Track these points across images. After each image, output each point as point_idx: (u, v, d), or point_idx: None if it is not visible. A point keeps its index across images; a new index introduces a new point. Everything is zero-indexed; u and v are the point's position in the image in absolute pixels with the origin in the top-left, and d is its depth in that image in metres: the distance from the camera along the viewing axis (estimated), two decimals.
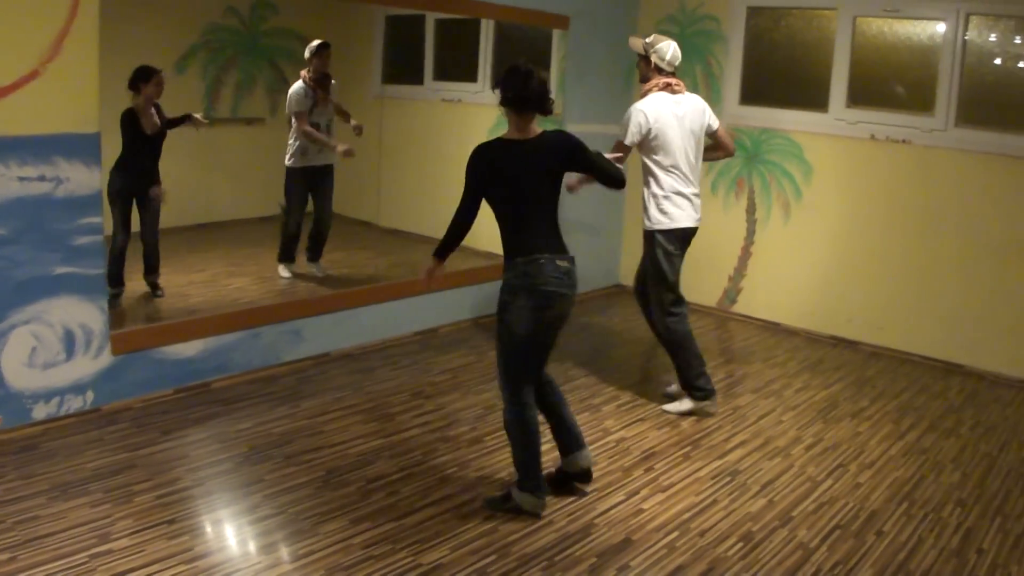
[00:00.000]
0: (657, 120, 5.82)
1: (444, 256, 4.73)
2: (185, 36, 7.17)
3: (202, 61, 7.32)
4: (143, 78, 6.35)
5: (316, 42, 7.41)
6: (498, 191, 4.52)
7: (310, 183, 7.73)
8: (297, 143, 7.53)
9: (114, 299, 6.55)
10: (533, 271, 4.42)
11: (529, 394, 4.58)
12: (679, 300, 6.04)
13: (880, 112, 7.52)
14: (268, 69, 7.81)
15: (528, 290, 4.43)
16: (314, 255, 7.89)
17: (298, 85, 7.44)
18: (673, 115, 5.85)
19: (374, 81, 8.73)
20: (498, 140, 4.55)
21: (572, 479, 4.88)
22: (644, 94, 5.97)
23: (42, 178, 5.00)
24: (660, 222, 5.90)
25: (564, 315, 4.58)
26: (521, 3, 7.55)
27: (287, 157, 7.59)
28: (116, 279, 6.51)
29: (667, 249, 5.91)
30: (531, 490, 4.60)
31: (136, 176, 6.53)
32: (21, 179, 4.93)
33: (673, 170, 5.89)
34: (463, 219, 4.61)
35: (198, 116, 6.98)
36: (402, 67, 9.07)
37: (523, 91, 4.47)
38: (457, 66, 8.96)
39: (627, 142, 5.85)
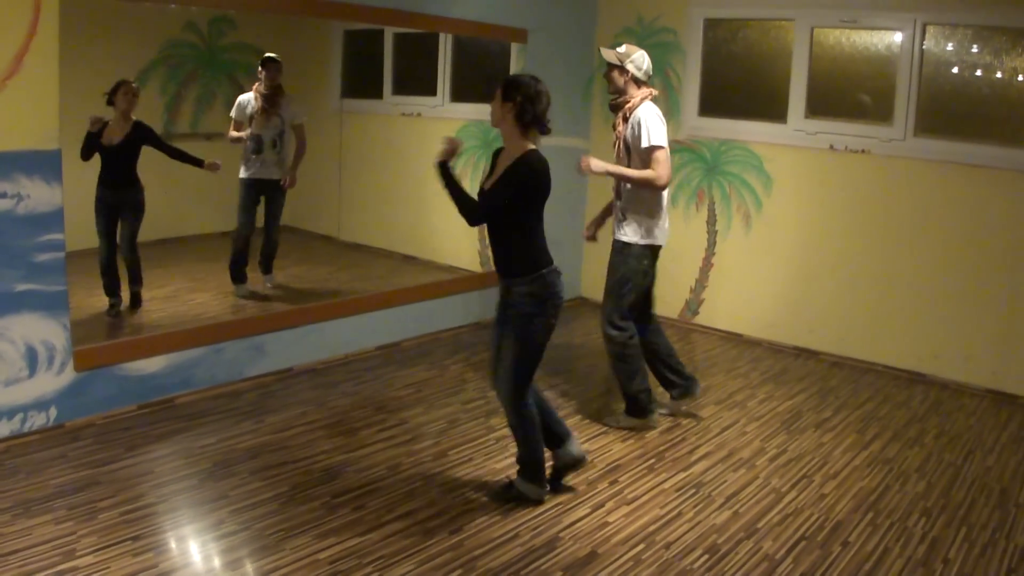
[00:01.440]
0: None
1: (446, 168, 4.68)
2: (144, 51, 7.15)
3: (162, 76, 7.30)
4: (113, 91, 6.42)
5: (265, 55, 7.41)
6: (539, 202, 4.67)
7: (256, 195, 7.71)
8: (244, 154, 7.53)
9: (110, 310, 6.59)
10: (553, 280, 4.69)
11: (530, 395, 4.85)
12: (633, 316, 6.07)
13: (839, 122, 7.59)
14: (227, 84, 7.79)
15: (553, 299, 4.69)
16: (264, 268, 7.87)
17: (244, 95, 7.45)
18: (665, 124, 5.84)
19: (333, 95, 8.73)
20: (536, 151, 4.63)
21: (566, 471, 5.08)
22: (631, 104, 5.81)
23: (3, 195, 4.98)
24: (651, 235, 5.89)
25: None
26: (479, 17, 7.57)
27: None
28: (108, 290, 6.59)
29: (648, 264, 5.99)
30: (538, 481, 4.89)
31: (109, 188, 6.57)
32: None
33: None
34: (479, 221, 4.71)
35: (214, 162, 7.04)
36: (361, 81, 9.06)
37: (536, 109, 4.57)
38: (416, 80, 8.97)
39: (665, 143, 5.70)
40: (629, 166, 5.83)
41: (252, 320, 6.63)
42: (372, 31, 8.66)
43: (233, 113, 7.48)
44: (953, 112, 7.23)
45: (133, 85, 6.58)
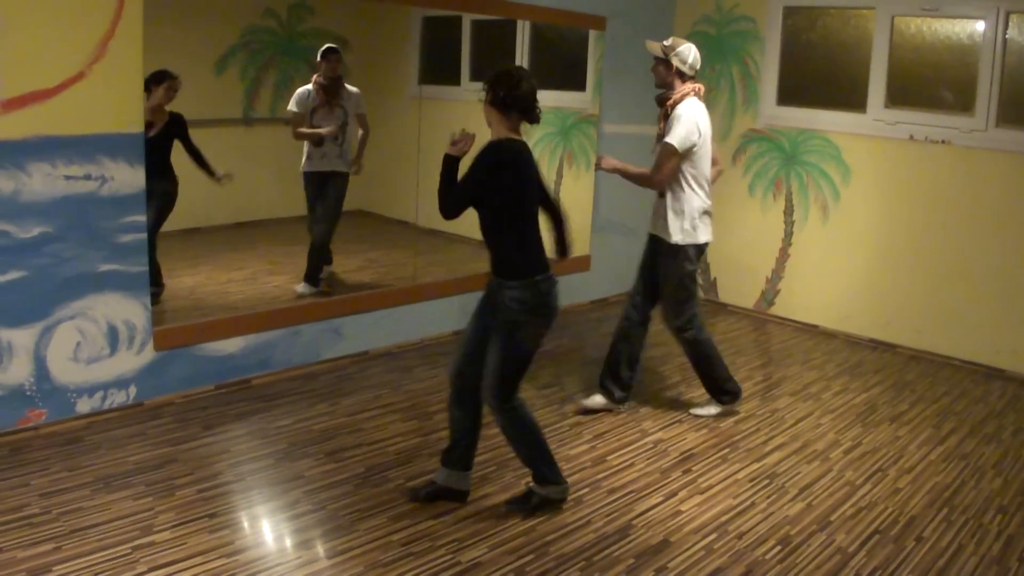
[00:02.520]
0: (704, 129, 5.66)
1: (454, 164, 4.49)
2: (224, 37, 7.22)
3: (241, 62, 7.36)
4: (156, 81, 6.41)
5: (325, 46, 7.39)
6: (509, 198, 4.40)
7: (319, 189, 7.57)
8: (307, 147, 7.50)
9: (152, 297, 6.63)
10: (547, 288, 4.42)
11: (517, 397, 4.59)
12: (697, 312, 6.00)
13: (919, 112, 7.48)
14: (305, 70, 7.84)
15: (544, 308, 4.44)
16: (308, 273, 7.48)
17: (303, 87, 7.42)
18: (709, 125, 5.74)
19: (411, 82, 8.76)
20: (512, 140, 4.42)
21: (443, 494, 4.72)
22: (672, 100, 5.68)
23: (88, 177, 5.08)
24: (693, 234, 5.76)
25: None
26: (557, 4, 7.56)
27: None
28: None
29: (692, 264, 5.85)
30: (552, 481, 4.64)
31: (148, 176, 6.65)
32: (67, 178, 5.01)
33: (705, 184, 5.77)
34: (451, 214, 4.40)
35: (227, 174, 6.98)
36: (439, 68, 9.09)
37: (515, 91, 4.38)
38: (494, 67, 8.95)
39: (679, 146, 5.55)
40: None
41: (330, 303, 6.69)
42: (450, 17, 8.67)
43: (294, 106, 7.37)
44: None
45: (178, 79, 6.57)
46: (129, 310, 5.43)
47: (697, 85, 5.71)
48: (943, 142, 7.32)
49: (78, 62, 4.96)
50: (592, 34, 8.14)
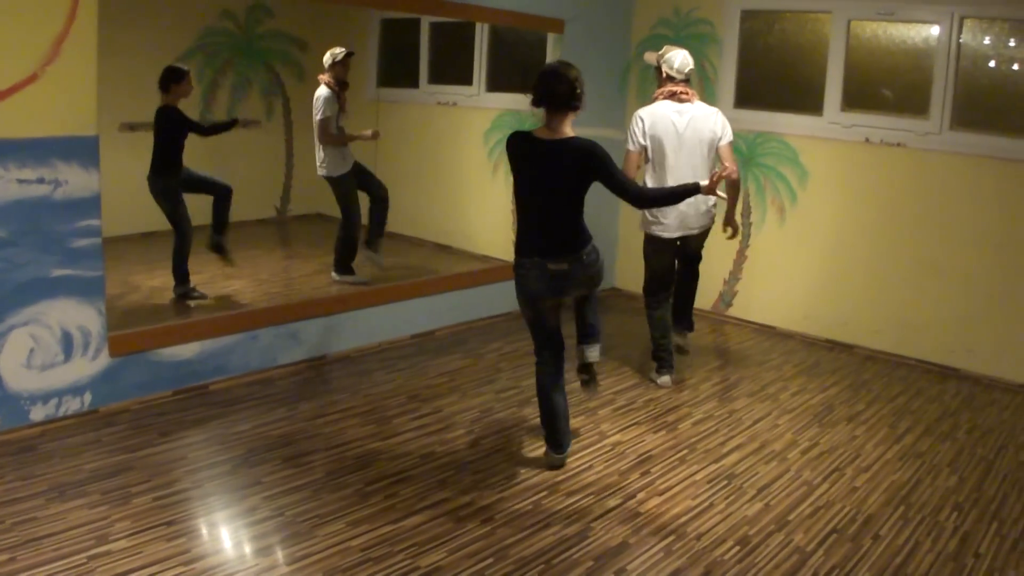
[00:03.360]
0: (653, 127, 5.97)
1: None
2: (182, 39, 7.18)
3: (198, 64, 7.33)
4: (175, 79, 6.44)
5: (340, 50, 7.38)
6: (516, 182, 4.93)
7: (358, 181, 7.79)
8: (335, 150, 7.51)
9: (181, 297, 6.66)
10: (521, 274, 4.95)
11: (544, 359, 5.15)
12: (654, 292, 6.61)
13: (875, 115, 7.54)
14: (263, 72, 7.82)
15: (520, 287, 5.00)
16: (375, 238, 7.97)
17: (326, 91, 7.41)
18: (672, 123, 5.92)
19: (369, 84, 8.75)
20: (526, 133, 4.86)
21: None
22: (652, 101, 6.19)
23: (41, 180, 5.01)
24: (648, 227, 6.39)
25: (568, 291, 5.02)
26: (516, 7, 7.56)
27: (327, 166, 7.60)
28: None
29: (651, 248, 6.50)
30: (552, 444, 5.22)
31: (177, 173, 6.65)
32: (20, 181, 4.94)
33: (663, 179, 6.10)
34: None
35: (247, 118, 7.07)
36: (397, 70, 9.08)
37: (550, 89, 4.70)
38: (452, 69, 8.98)
39: (629, 148, 6.12)
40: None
41: (287, 307, 6.65)
42: (408, 20, 8.67)
43: (327, 111, 7.45)
44: (990, 106, 7.15)
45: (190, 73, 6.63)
46: (84, 315, 5.36)
47: (672, 88, 6.16)
48: (898, 145, 7.38)
49: (30, 64, 4.89)
50: (551, 37, 8.15)
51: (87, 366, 5.44)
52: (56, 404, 5.33)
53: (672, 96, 6.07)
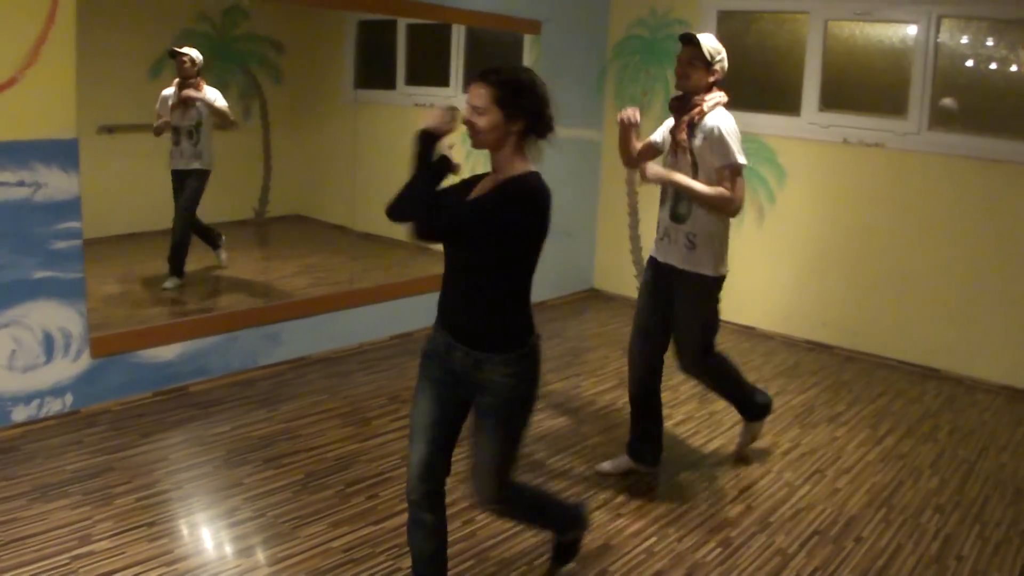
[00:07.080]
0: None
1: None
2: (159, 41, 7.16)
3: (174, 67, 7.31)
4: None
5: (183, 49, 7.18)
6: (540, 245, 3.45)
7: (176, 188, 7.31)
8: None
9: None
10: (540, 348, 3.61)
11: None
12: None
13: (853, 116, 7.58)
14: (240, 75, 7.80)
15: (539, 373, 3.63)
16: (171, 268, 7.29)
17: (166, 90, 7.22)
18: None
19: (347, 86, 8.74)
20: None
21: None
22: (697, 108, 4.80)
23: (21, 183, 5.02)
24: (722, 266, 5.24)
25: None
26: (492, 8, 7.58)
27: (206, 159, 7.47)
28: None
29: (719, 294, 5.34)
30: (576, 527, 4.10)
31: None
32: (0, 184, 4.94)
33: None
34: (430, 233, 3.51)
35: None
36: (375, 72, 9.07)
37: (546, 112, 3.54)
38: (429, 71, 8.98)
39: (745, 161, 4.79)
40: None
41: (267, 309, 6.65)
42: (385, 22, 8.67)
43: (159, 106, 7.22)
44: (968, 106, 7.21)
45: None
46: (65, 317, 5.36)
47: (724, 95, 4.86)
48: (877, 145, 7.42)
49: (9, 68, 4.90)
50: (527, 38, 8.17)
51: (68, 367, 5.45)
52: (38, 405, 5.33)
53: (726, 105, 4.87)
